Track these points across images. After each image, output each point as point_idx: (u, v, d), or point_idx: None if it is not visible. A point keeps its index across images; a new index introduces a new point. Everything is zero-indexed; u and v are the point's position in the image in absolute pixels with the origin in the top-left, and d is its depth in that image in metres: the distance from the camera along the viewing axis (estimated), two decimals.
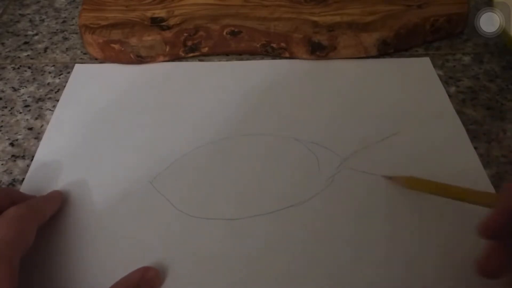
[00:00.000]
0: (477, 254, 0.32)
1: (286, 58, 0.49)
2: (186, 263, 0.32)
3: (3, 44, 0.52)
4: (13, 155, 0.40)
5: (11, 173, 0.38)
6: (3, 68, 0.49)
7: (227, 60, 0.49)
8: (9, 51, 0.51)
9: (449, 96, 0.44)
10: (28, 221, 0.30)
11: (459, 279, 0.31)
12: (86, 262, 0.32)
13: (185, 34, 0.47)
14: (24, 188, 0.37)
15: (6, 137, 0.41)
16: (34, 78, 0.47)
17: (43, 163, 0.39)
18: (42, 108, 0.44)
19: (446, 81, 0.46)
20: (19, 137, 0.41)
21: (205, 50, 0.49)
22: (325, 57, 0.48)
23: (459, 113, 0.42)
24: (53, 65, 0.49)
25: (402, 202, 0.35)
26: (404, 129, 0.41)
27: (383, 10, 0.49)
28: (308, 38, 0.47)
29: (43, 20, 0.55)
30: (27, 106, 0.44)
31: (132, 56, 0.48)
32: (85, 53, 0.50)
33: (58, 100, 0.44)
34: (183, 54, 0.49)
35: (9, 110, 0.44)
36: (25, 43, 0.52)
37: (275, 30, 0.47)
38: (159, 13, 0.49)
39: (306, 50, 0.48)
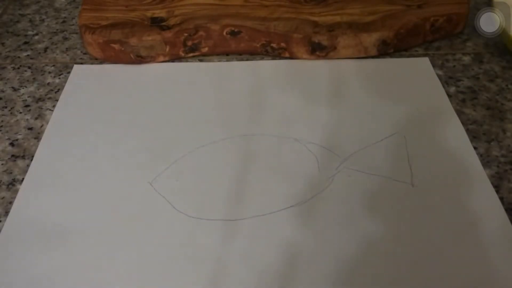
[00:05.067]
0: (478, 254, 0.32)
1: (286, 58, 0.49)
2: (185, 264, 0.32)
3: (3, 44, 0.52)
4: (13, 155, 0.40)
5: (11, 173, 0.38)
6: (3, 68, 0.49)
7: (227, 60, 0.49)
8: (9, 51, 0.51)
9: (449, 96, 0.44)
10: None
11: (460, 279, 0.31)
12: (85, 262, 0.32)
13: (185, 34, 0.47)
14: (24, 188, 0.37)
15: (6, 137, 0.41)
16: (34, 78, 0.47)
17: (43, 163, 0.39)
18: (42, 108, 0.44)
19: (446, 81, 0.46)
20: (19, 137, 0.41)
21: (205, 50, 0.49)
22: (325, 57, 0.48)
23: (459, 113, 0.42)
24: (53, 65, 0.49)
25: (402, 202, 0.35)
26: (404, 129, 0.41)
27: (383, 10, 0.49)
28: (308, 38, 0.47)
29: (43, 20, 0.55)
30: (27, 106, 0.44)
31: (132, 56, 0.48)
32: (85, 53, 0.50)
33: (58, 100, 0.44)
34: (183, 54, 0.49)
35: (9, 110, 0.44)
36: (25, 43, 0.52)
37: (275, 30, 0.47)
38: (159, 13, 0.49)
39: (306, 50, 0.48)
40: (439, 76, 0.46)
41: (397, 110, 0.42)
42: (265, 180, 0.37)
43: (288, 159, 0.39)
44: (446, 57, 0.49)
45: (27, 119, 0.43)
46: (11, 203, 0.36)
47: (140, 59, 0.48)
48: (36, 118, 0.43)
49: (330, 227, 0.34)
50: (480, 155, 0.39)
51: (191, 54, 0.49)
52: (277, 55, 0.49)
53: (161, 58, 0.48)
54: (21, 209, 0.35)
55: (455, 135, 0.40)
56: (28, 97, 0.45)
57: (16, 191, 0.37)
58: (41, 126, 0.42)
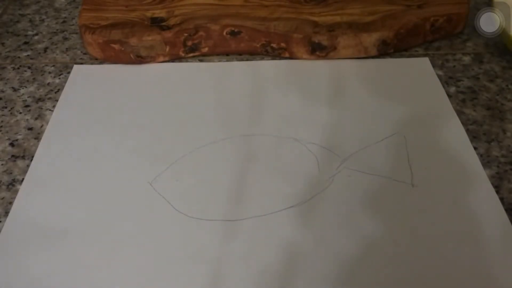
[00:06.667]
0: (478, 254, 0.32)
1: (286, 58, 0.49)
2: (185, 264, 0.32)
3: (3, 44, 0.52)
4: (13, 155, 0.40)
5: (11, 173, 0.38)
6: (3, 68, 0.49)
7: (227, 60, 0.49)
8: (9, 51, 0.51)
9: (449, 96, 0.44)
10: None
11: (460, 279, 0.31)
12: (85, 262, 0.32)
13: (185, 34, 0.47)
14: (24, 188, 0.37)
15: (6, 137, 0.41)
16: (34, 78, 0.47)
17: (43, 163, 0.39)
18: (42, 108, 0.44)
19: (446, 81, 0.46)
20: (19, 137, 0.41)
21: (205, 50, 0.49)
22: (325, 57, 0.48)
23: (459, 113, 0.42)
24: (53, 65, 0.49)
25: (402, 202, 0.35)
26: (404, 129, 0.41)
27: (383, 10, 0.49)
28: (308, 38, 0.47)
29: (43, 20, 0.55)
30: (27, 106, 0.44)
31: (132, 56, 0.48)
32: (85, 53, 0.50)
33: (58, 100, 0.44)
34: (183, 54, 0.49)
35: (9, 110, 0.44)
36: (25, 43, 0.52)
37: (275, 30, 0.47)
38: (159, 13, 0.49)
39: (306, 50, 0.48)
40: (439, 76, 0.46)
41: (397, 110, 0.42)
42: (265, 180, 0.37)
43: (288, 159, 0.39)
44: (446, 57, 0.49)
45: (27, 119, 0.43)
46: (11, 203, 0.36)
47: (140, 59, 0.48)
48: (36, 118, 0.43)
49: (330, 227, 0.34)
50: (480, 155, 0.39)
51: (191, 54, 0.49)
52: (277, 55, 0.49)
53: (161, 58, 0.48)
54: (21, 209, 0.35)
55: (455, 135, 0.40)
56: (28, 97, 0.45)
57: (16, 191, 0.37)
58: (41, 126, 0.42)
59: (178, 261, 0.32)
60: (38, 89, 0.46)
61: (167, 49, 0.48)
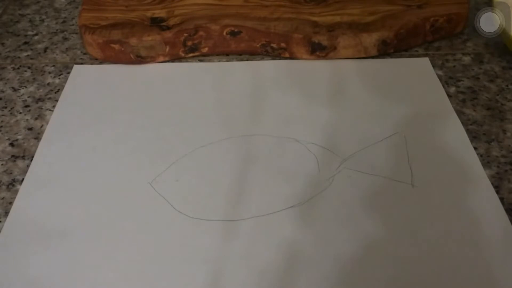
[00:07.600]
0: (478, 254, 0.32)
1: (286, 58, 0.49)
2: (185, 264, 0.32)
3: (3, 44, 0.52)
4: (13, 155, 0.40)
5: (11, 173, 0.38)
6: (3, 68, 0.49)
7: (227, 60, 0.49)
8: (9, 51, 0.51)
9: (449, 96, 0.44)
10: None
11: (460, 279, 0.31)
12: (85, 262, 0.32)
13: (185, 34, 0.47)
14: (24, 188, 0.37)
15: (6, 137, 0.41)
16: (34, 78, 0.47)
17: (43, 163, 0.39)
18: (42, 108, 0.44)
19: (446, 81, 0.46)
20: (19, 137, 0.41)
21: (205, 50, 0.49)
22: (325, 57, 0.48)
23: (459, 113, 0.42)
24: (53, 65, 0.49)
25: (402, 202, 0.35)
26: (404, 129, 0.41)
27: (383, 10, 0.49)
28: (308, 38, 0.47)
29: (43, 20, 0.55)
30: (27, 106, 0.44)
31: (132, 56, 0.48)
32: (85, 53, 0.50)
33: (58, 100, 0.44)
34: (183, 54, 0.49)
35: (9, 110, 0.44)
36: (25, 43, 0.52)
37: (275, 30, 0.47)
38: (159, 13, 0.49)
39: (306, 50, 0.48)
40: (439, 76, 0.46)
41: (397, 110, 0.42)
42: (265, 181, 0.37)
43: (288, 159, 0.39)
44: (446, 57, 0.49)
45: (27, 119, 0.43)
46: (11, 203, 0.36)
47: (140, 59, 0.48)
48: (36, 118, 0.43)
49: (330, 227, 0.34)
50: (480, 155, 0.39)
51: (191, 54, 0.49)
52: (277, 55, 0.49)
53: (161, 58, 0.48)
54: (21, 209, 0.35)
55: (455, 135, 0.40)
56: (28, 97, 0.45)
57: (16, 191, 0.37)
58: (41, 126, 0.42)
59: (178, 261, 0.32)
60: (38, 89, 0.46)
61: (167, 49, 0.48)
